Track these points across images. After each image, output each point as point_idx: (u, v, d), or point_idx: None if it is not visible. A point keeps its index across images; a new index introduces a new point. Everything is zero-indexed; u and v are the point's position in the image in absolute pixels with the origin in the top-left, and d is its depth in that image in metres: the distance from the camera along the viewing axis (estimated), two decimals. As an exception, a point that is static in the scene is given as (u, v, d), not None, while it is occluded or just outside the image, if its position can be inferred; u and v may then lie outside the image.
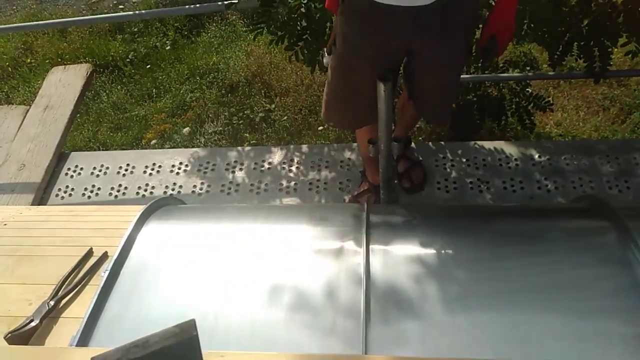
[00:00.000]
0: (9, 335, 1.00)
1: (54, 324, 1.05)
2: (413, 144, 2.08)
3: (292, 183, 1.91)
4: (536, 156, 2.00)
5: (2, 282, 1.12)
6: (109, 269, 1.07)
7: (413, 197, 1.86)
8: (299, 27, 1.69)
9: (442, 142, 2.12)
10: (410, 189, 1.97)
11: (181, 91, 4.04)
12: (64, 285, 1.11)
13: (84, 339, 0.93)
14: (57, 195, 2.03)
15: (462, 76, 2.08)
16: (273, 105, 3.72)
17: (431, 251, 1.02)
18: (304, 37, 1.71)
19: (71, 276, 1.13)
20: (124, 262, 1.10)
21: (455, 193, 1.93)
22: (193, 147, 3.70)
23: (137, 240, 1.15)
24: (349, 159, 2.03)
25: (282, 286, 0.96)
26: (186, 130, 3.82)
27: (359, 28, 1.40)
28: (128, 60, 4.34)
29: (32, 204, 1.92)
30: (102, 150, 3.77)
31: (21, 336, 1.00)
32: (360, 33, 1.40)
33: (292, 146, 2.02)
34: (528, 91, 2.48)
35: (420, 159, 2.05)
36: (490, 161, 2.00)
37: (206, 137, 3.80)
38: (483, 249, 1.03)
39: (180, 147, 3.70)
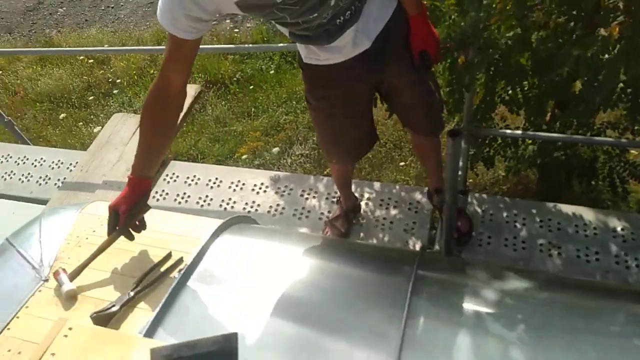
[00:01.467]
0: (94, 315, 1.20)
1: (130, 312, 1.24)
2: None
3: (359, 218, 2.02)
4: (619, 228, 1.92)
5: (96, 269, 1.34)
6: (181, 273, 1.24)
7: (468, 248, 1.90)
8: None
9: (517, 199, 2.11)
10: (460, 239, 2.02)
11: (277, 112, 4.32)
12: (144, 280, 1.30)
13: (150, 331, 1.10)
14: (153, 197, 2.32)
15: (550, 134, 2.06)
16: (359, 137, 3.85)
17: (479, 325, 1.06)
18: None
19: (150, 273, 1.32)
20: (194, 269, 1.28)
21: (523, 253, 1.91)
22: (280, 165, 3.95)
23: (210, 251, 1.32)
24: (418, 202, 2.09)
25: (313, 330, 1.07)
26: (276, 150, 4.08)
27: (322, 85, 1.59)
28: (235, 79, 4.75)
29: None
30: (200, 158, 4.16)
31: (102, 318, 1.19)
32: (325, 89, 1.59)
33: (365, 182, 2.13)
34: (626, 157, 2.36)
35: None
36: (565, 225, 1.96)
37: (293, 158, 4.03)
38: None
39: (268, 164, 3.97)
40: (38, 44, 5.78)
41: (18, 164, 2.67)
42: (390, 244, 1.89)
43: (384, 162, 3.95)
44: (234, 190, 2.28)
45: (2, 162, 2.70)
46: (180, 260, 1.36)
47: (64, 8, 6.93)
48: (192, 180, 2.30)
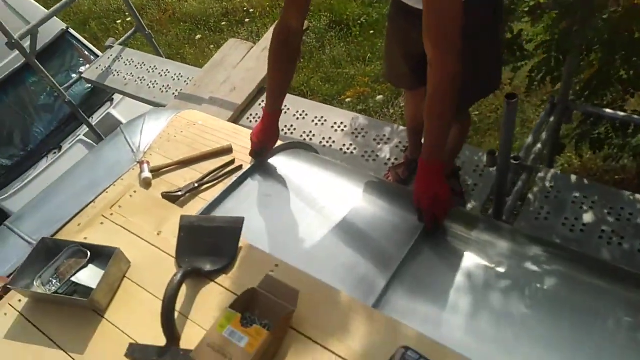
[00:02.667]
0: (164, 194, 1.51)
1: (192, 199, 1.54)
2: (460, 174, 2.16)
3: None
4: (701, 234, 1.78)
5: (172, 164, 1.65)
6: (236, 178, 1.51)
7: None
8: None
9: (594, 183, 2.03)
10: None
11: (389, 62, 4.36)
12: (208, 177, 1.59)
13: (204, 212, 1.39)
14: (247, 118, 2.63)
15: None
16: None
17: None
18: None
19: (214, 172, 1.60)
20: (248, 177, 1.53)
21: (580, 235, 1.87)
22: (381, 114, 4.06)
23: (264, 166, 1.57)
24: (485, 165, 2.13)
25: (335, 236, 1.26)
26: (380, 97, 4.19)
27: (395, 13, 1.73)
28: (359, 22, 4.84)
29: (229, 120, 2.54)
30: (309, 95, 4.42)
31: (169, 197, 1.51)
32: (396, 17, 1.72)
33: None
34: None
35: (464, 190, 2.09)
36: (638, 217, 1.86)
37: (395, 109, 4.12)
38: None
39: (370, 111, 4.11)
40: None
41: (149, 72, 3.15)
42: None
43: (490, 128, 3.86)
44: (316, 124, 2.49)
45: (138, 68, 3.20)
46: (240, 168, 1.62)
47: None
48: (283, 111, 2.55)
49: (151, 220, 1.26)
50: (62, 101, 3.33)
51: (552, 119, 2.23)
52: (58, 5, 3.24)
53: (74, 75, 3.57)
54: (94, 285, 1.03)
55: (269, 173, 1.60)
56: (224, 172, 1.61)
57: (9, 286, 1.05)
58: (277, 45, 1.51)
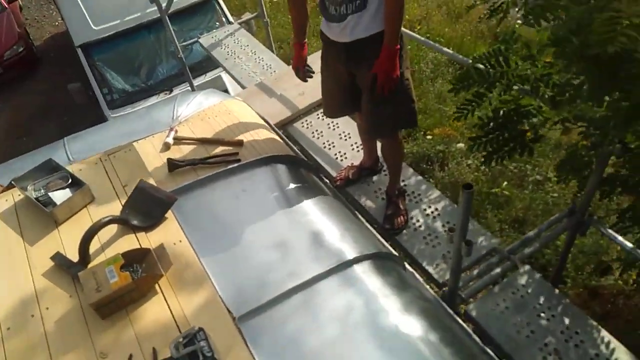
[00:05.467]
0: (169, 159, 1.90)
1: (194, 171, 1.90)
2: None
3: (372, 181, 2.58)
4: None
5: (193, 139, 2.03)
6: (226, 168, 1.85)
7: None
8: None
9: (563, 297, 2.04)
10: (390, 231, 2.36)
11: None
12: (210, 159, 1.95)
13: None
14: (301, 123, 2.96)
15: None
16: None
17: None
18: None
19: (216, 157, 1.95)
20: (226, 174, 1.86)
21: (524, 340, 1.93)
22: (455, 161, 4.13)
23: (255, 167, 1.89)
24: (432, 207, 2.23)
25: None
26: (460, 145, 4.24)
27: (325, 51, 2.17)
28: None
29: (286, 120, 2.92)
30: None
31: (172, 164, 1.89)
32: (326, 54, 2.17)
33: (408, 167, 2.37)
34: None
35: (406, 210, 2.44)
36: (588, 347, 1.86)
37: (471, 160, 4.16)
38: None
39: (448, 156, 4.19)
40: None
41: (248, 55, 3.61)
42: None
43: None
44: (353, 149, 2.75)
45: (241, 48, 3.69)
46: (237, 154, 1.96)
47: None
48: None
49: (132, 176, 1.65)
50: (176, 55, 3.94)
51: (562, 224, 2.24)
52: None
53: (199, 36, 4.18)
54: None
55: (254, 176, 1.91)
56: (223, 160, 1.97)
57: (12, 182, 1.51)
58: None
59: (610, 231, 2.21)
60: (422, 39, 3.09)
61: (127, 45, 4.76)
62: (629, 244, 2.12)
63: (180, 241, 1.40)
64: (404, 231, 2.38)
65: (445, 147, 4.36)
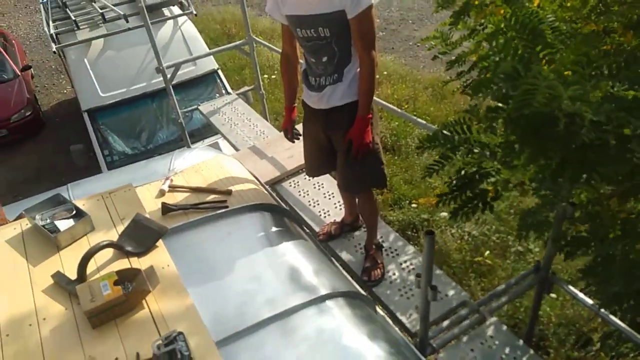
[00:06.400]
0: (164, 204, 2.12)
1: (186, 215, 2.12)
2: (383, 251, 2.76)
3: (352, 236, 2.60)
4: None
5: (186, 187, 2.27)
6: (215, 213, 2.07)
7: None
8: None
9: (528, 349, 2.18)
10: (367, 282, 2.57)
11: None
12: (201, 205, 2.17)
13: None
14: (289, 183, 3.21)
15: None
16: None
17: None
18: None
19: (206, 204, 2.18)
20: (214, 218, 2.08)
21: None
22: (440, 229, 4.35)
23: (242, 214, 2.10)
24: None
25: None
26: (444, 214, 4.47)
27: (307, 119, 2.47)
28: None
29: (274, 179, 3.17)
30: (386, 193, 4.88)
31: (166, 208, 2.11)
32: (307, 122, 2.47)
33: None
34: None
35: (382, 263, 2.65)
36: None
37: (455, 230, 4.37)
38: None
39: (432, 225, 4.41)
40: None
41: (243, 122, 3.95)
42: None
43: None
44: (336, 207, 2.99)
45: (237, 116, 4.04)
46: (225, 202, 2.18)
47: (383, 33, 8.48)
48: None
49: (129, 211, 1.87)
50: (176, 120, 4.28)
51: (525, 283, 2.42)
52: (211, 50, 4.26)
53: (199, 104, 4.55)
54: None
55: (240, 221, 2.12)
56: (212, 206, 2.19)
57: (23, 212, 1.72)
58: (283, 67, 2.47)
59: (572, 289, 2.39)
60: (410, 116, 3.42)
61: (130, 112, 5.14)
62: (590, 301, 2.29)
63: (168, 265, 1.59)
64: (381, 283, 2.56)
65: (430, 215, 4.60)
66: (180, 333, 1.26)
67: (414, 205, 4.69)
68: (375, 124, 2.35)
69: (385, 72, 6.96)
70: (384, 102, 3.27)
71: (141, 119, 5.15)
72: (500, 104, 1.49)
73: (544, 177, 1.71)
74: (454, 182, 2.24)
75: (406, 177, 5.13)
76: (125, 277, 1.47)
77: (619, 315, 1.99)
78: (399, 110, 3.42)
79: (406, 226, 4.52)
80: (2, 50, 7.38)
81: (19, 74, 7.24)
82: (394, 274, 2.61)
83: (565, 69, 1.60)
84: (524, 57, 1.53)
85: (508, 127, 1.54)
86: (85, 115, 4.97)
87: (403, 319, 2.41)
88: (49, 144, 6.95)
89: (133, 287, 1.44)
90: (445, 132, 2.28)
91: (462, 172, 2.22)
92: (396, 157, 5.33)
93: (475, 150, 2.22)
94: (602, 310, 2.24)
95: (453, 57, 2.28)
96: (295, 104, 2.55)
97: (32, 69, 7.99)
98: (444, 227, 4.48)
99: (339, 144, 2.36)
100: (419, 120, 3.32)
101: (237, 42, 4.41)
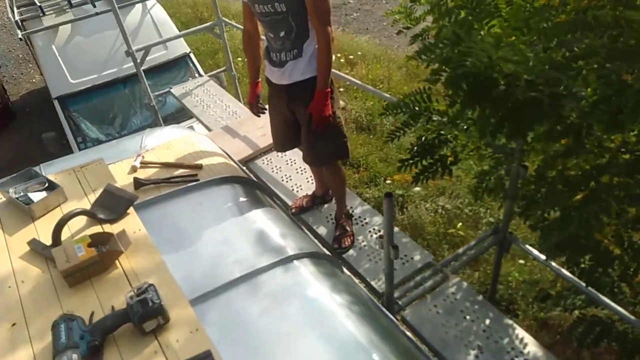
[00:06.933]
0: (136, 178, 2.23)
1: (158, 189, 2.23)
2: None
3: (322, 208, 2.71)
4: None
5: (157, 163, 2.37)
6: (186, 185, 2.17)
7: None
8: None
9: (488, 303, 2.35)
10: (337, 250, 2.72)
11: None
12: (172, 179, 2.27)
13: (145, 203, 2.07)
14: (262, 160, 3.33)
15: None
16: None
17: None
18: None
19: (177, 178, 2.28)
20: (185, 191, 2.19)
21: (451, 339, 2.21)
22: (413, 204, 4.51)
23: (212, 186, 2.22)
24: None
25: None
26: (417, 189, 4.62)
27: (271, 95, 2.59)
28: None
29: (249, 156, 3.28)
30: (361, 169, 5.01)
31: (137, 183, 2.21)
32: (272, 97, 2.59)
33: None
34: None
35: (352, 232, 2.80)
36: (501, 340, 2.16)
37: (430, 205, 4.53)
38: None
39: (406, 200, 4.57)
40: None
41: (216, 103, 4.05)
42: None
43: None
44: (308, 181, 3.12)
45: (210, 97, 4.13)
46: (196, 176, 2.29)
47: (357, 14, 8.58)
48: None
49: (100, 183, 1.97)
50: (148, 104, 4.35)
51: (486, 243, 2.59)
52: (181, 33, 4.32)
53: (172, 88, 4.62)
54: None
55: (210, 192, 2.23)
56: (183, 180, 2.29)
57: (-3, 186, 1.82)
58: (245, 43, 2.61)
59: (528, 247, 2.57)
60: (384, 94, 3.53)
61: (102, 98, 5.17)
62: (542, 257, 2.47)
63: (140, 230, 1.70)
64: (351, 250, 2.70)
65: (405, 191, 4.77)
66: (151, 285, 1.38)
67: (388, 182, 4.84)
68: (336, 97, 2.47)
69: (359, 53, 7.07)
70: (359, 82, 3.39)
71: (114, 104, 5.19)
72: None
73: (483, 134, 1.85)
74: (415, 148, 2.39)
75: (381, 155, 5.28)
76: (98, 241, 1.58)
77: (567, 268, 2.16)
78: (373, 89, 3.54)
79: (382, 202, 4.67)
80: (-33, 40, 7.30)
81: (-15, 64, 7.20)
82: (363, 241, 2.75)
83: (507, 34, 1.75)
84: (465, 23, 1.66)
85: (449, 88, 1.67)
86: (56, 103, 4.99)
87: (373, 283, 2.56)
88: (21, 134, 6.94)
89: (106, 248, 1.56)
90: (406, 101, 2.43)
91: (423, 139, 2.36)
92: (371, 136, 5.46)
93: (435, 118, 2.37)
94: (554, 264, 2.44)
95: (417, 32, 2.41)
96: (260, 80, 2.66)
97: (-2, 59, 7.92)
98: (418, 201, 4.64)
99: (302, 118, 2.48)
100: (393, 98, 3.44)
101: (207, 24, 4.47)
